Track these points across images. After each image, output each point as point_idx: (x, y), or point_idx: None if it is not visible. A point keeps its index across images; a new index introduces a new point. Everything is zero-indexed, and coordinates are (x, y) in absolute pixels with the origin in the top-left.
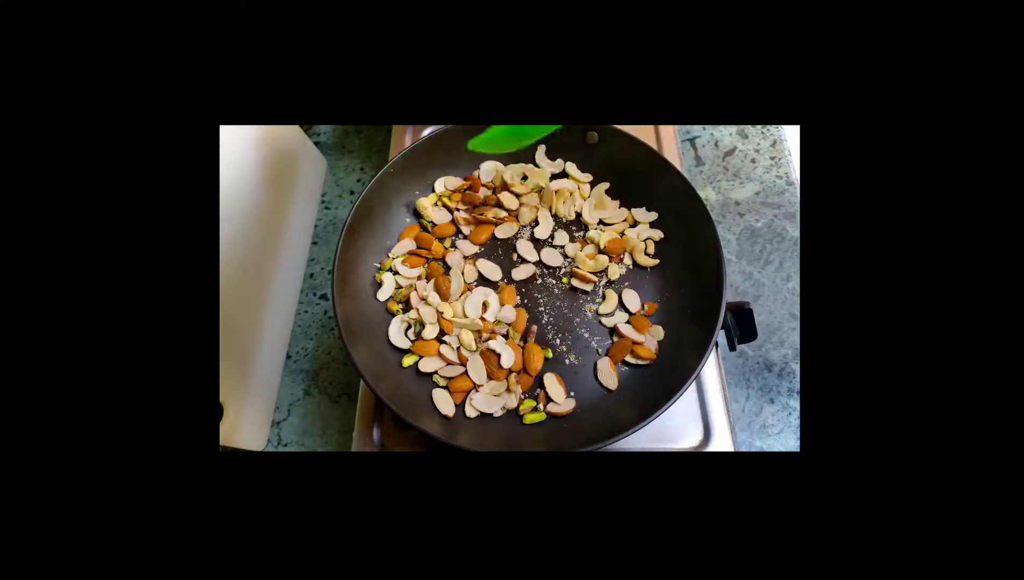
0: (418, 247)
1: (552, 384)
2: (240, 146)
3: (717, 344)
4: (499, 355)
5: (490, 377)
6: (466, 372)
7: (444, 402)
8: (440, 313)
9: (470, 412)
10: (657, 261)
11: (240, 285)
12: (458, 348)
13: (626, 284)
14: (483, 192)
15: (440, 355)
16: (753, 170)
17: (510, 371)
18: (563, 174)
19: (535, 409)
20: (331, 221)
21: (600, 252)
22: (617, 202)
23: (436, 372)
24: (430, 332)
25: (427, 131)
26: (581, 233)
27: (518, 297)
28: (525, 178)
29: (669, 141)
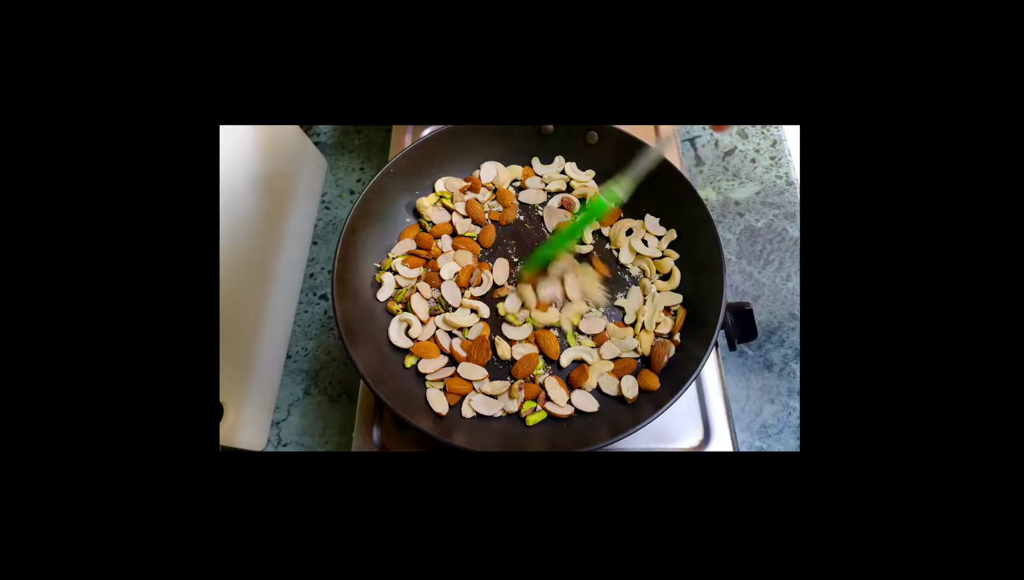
0: (418, 247)
1: (553, 387)
2: (240, 146)
3: (717, 344)
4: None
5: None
6: (457, 373)
7: (438, 401)
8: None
9: (466, 412)
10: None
11: (240, 285)
12: (452, 338)
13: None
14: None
15: (440, 350)
16: (753, 170)
17: (514, 378)
18: (567, 189)
19: (535, 410)
20: (331, 221)
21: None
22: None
23: (428, 374)
24: (416, 329)
25: (427, 131)
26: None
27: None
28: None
29: (669, 141)
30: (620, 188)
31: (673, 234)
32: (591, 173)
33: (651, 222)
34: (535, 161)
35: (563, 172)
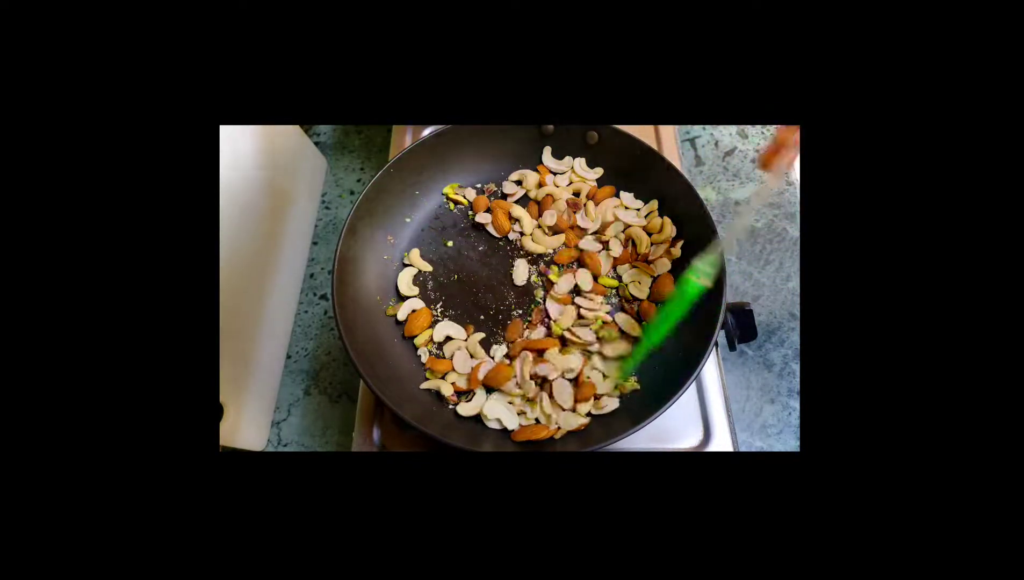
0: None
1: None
2: (240, 146)
3: (717, 344)
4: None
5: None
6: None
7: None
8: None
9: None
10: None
11: (240, 285)
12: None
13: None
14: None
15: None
16: (753, 170)
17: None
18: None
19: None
20: (331, 221)
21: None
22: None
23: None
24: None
25: (427, 131)
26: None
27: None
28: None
29: (669, 141)
30: (704, 272)
31: (655, 204)
32: (599, 171)
33: (627, 197)
34: (546, 155)
35: (572, 169)
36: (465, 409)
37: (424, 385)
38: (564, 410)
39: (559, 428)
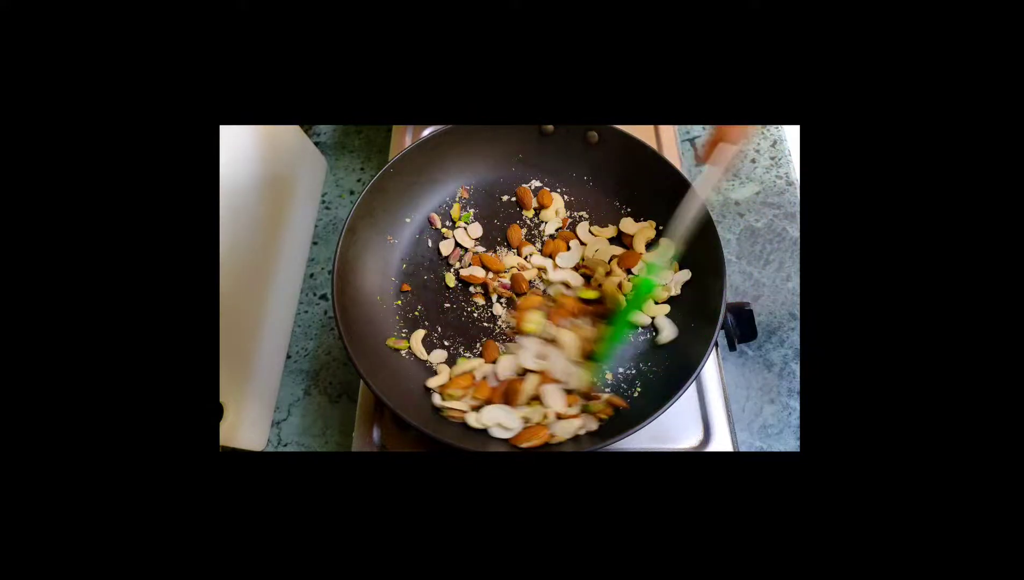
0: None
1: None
2: (240, 146)
3: (717, 344)
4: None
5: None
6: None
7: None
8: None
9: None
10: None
11: (240, 285)
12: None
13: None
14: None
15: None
16: (753, 170)
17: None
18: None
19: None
20: (331, 221)
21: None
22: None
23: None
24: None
25: (427, 131)
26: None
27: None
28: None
29: (669, 141)
30: (665, 255)
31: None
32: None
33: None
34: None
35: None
36: (473, 419)
37: (438, 402)
38: (560, 417)
39: (553, 435)
